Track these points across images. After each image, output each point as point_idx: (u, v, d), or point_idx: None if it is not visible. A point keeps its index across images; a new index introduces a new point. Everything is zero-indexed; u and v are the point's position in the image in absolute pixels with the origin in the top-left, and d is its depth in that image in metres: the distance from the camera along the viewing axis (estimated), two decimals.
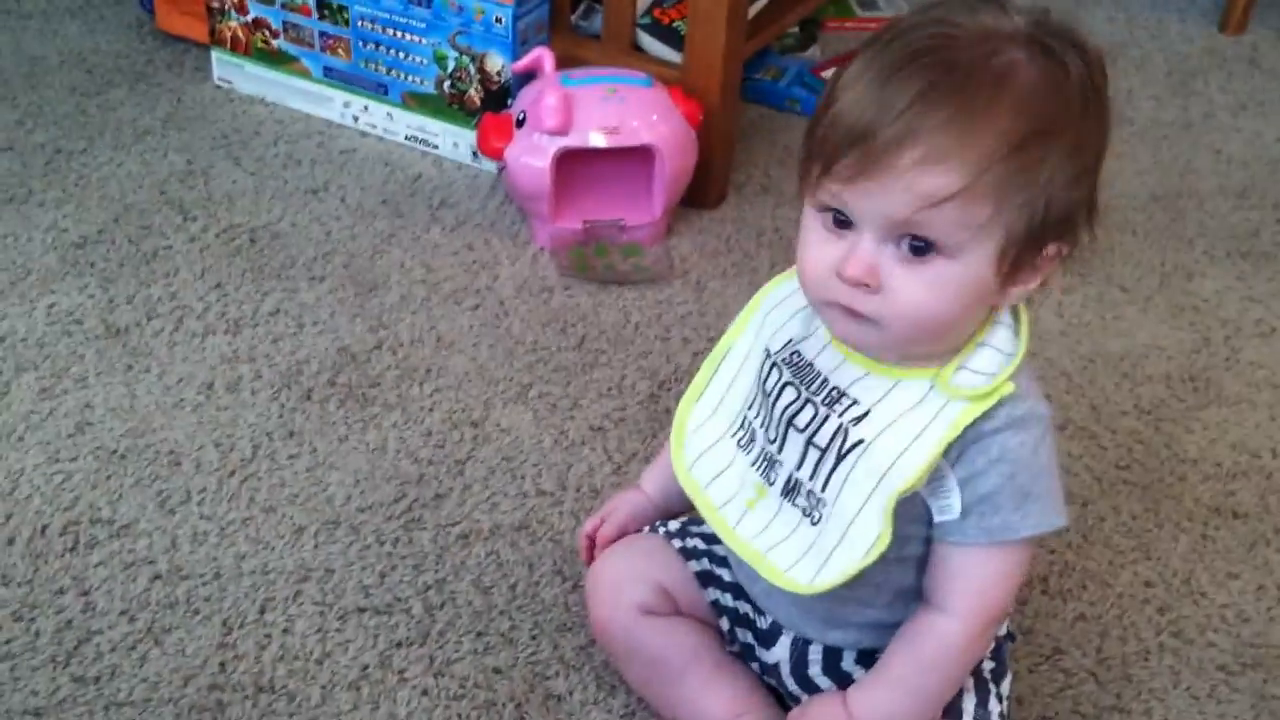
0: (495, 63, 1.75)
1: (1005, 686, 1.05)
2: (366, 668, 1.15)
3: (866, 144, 0.83)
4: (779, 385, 0.98)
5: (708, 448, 1.04)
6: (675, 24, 1.81)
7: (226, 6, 1.89)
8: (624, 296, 1.60)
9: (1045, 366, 1.53)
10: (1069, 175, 0.86)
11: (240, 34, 1.91)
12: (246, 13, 1.89)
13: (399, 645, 1.17)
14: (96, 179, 1.75)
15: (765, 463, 0.99)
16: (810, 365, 0.97)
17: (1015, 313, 0.93)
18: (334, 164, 1.81)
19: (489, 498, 1.32)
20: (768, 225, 1.75)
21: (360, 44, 1.83)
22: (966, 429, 0.89)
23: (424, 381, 1.45)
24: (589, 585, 1.12)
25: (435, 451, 1.37)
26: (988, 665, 1.04)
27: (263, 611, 1.19)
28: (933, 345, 0.91)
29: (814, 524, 0.95)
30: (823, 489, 0.94)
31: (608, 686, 1.15)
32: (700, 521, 1.09)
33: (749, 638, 1.08)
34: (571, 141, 1.60)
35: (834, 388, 0.95)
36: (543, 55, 1.67)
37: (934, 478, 0.91)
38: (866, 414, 0.92)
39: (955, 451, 0.90)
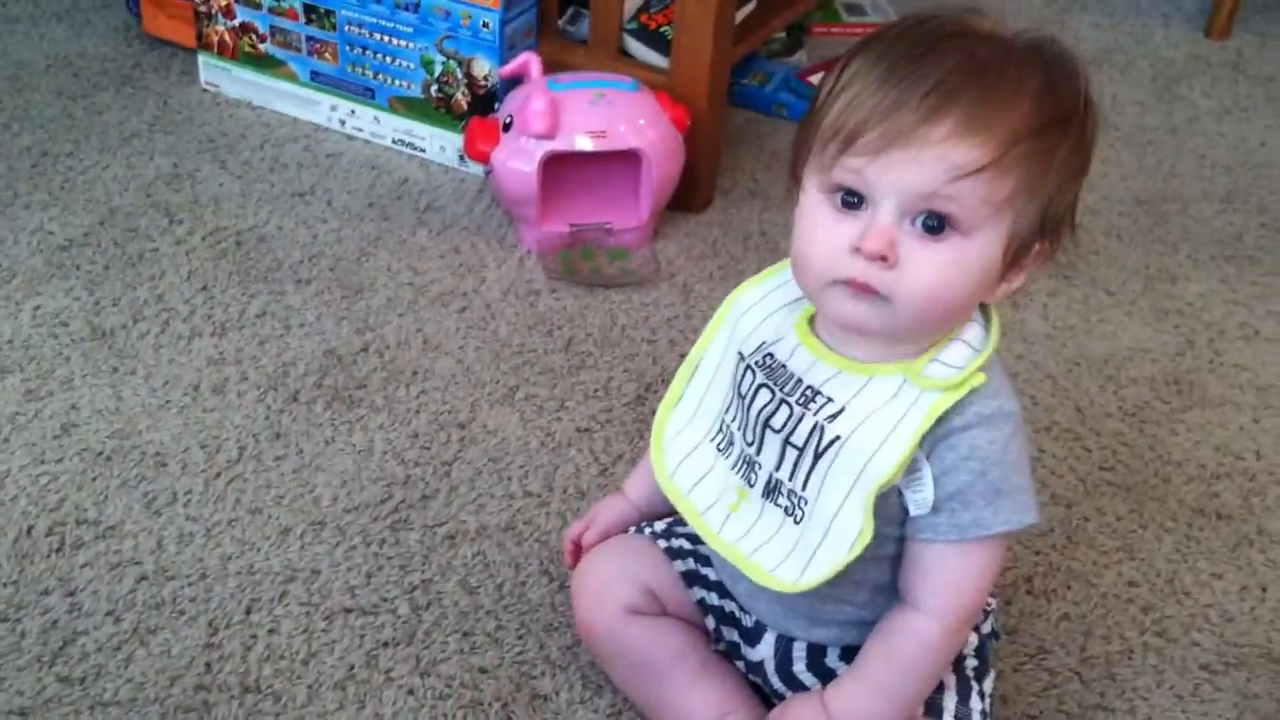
0: (482, 67, 1.75)
1: (988, 684, 1.05)
2: (353, 668, 1.15)
3: (897, 116, 0.85)
4: (753, 388, 0.98)
5: (687, 454, 1.04)
6: (662, 29, 1.81)
7: (214, 11, 1.90)
8: (610, 299, 1.61)
9: (1030, 369, 1.53)
10: (1071, 170, 0.90)
11: (227, 38, 1.91)
12: (234, 17, 1.89)
13: (385, 645, 1.17)
14: (83, 182, 1.75)
15: (745, 465, 0.99)
16: (784, 367, 0.97)
17: (986, 311, 0.95)
18: (321, 167, 1.81)
19: (475, 499, 1.32)
20: (754, 229, 1.75)
21: (347, 48, 1.83)
22: (938, 421, 0.90)
23: (410, 384, 1.45)
24: (575, 586, 1.13)
25: (422, 453, 1.37)
26: (970, 663, 1.04)
27: (249, 612, 1.19)
28: (934, 330, 0.92)
29: (797, 523, 0.95)
30: (803, 487, 0.95)
31: (594, 686, 1.15)
32: (686, 522, 1.09)
33: (734, 636, 1.09)
34: (558, 145, 1.60)
35: (808, 387, 0.95)
36: (530, 60, 1.67)
37: (910, 470, 0.92)
38: (841, 411, 0.93)
39: (928, 445, 0.91)
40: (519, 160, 1.61)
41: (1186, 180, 1.93)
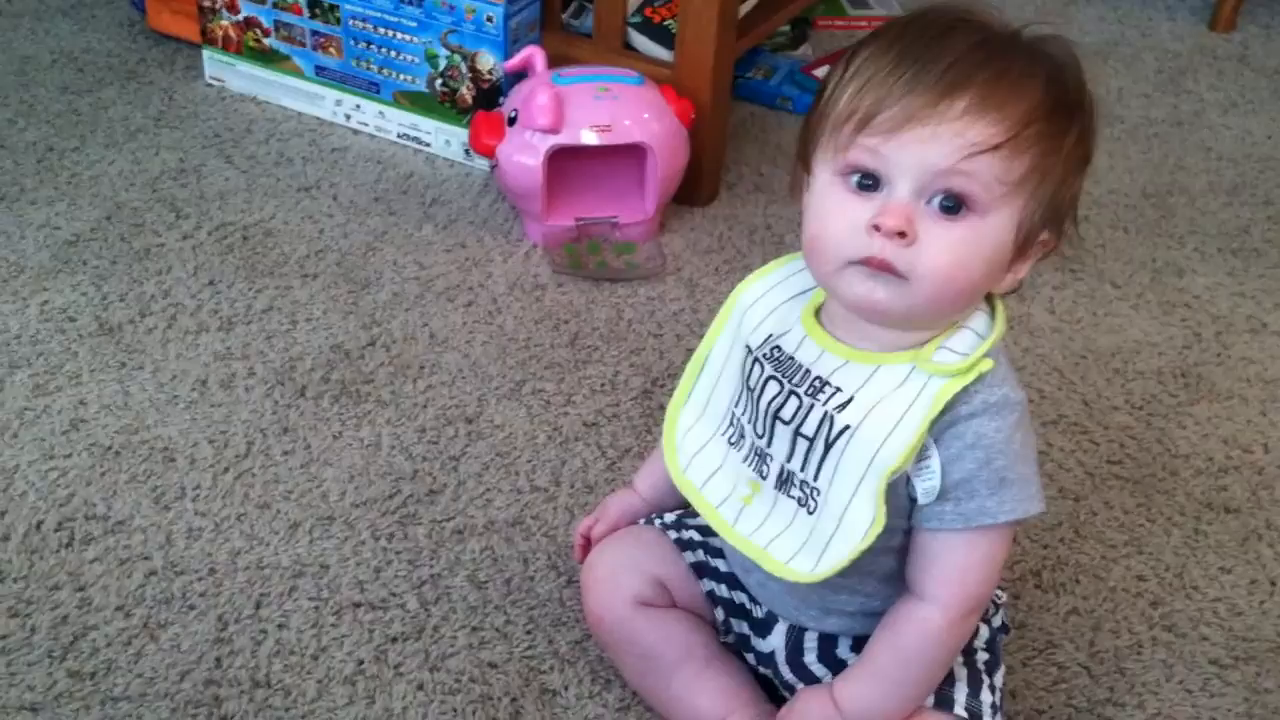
0: (487, 61, 1.75)
1: (999, 678, 1.05)
2: (362, 663, 1.15)
3: (915, 93, 0.86)
4: (762, 380, 0.98)
5: (700, 449, 1.04)
6: (666, 22, 1.81)
7: (218, 6, 1.89)
8: (616, 293, 1.61)
9: (1037, 363, 1.53)
10: (1076, 160, 0.91)
11: (232, 33, 1.91)
12: (238, 12, 1.89)
13: (394, 640, 1.17)
14: (89, 177, 1.75)
15: (756, 458, 1.00)
16: (791, 358, 0.97)
17: (990, 301, 0.96)
18: (326, 162, 1.81)
19: (483, 493, 1.32)
20: (759, 223, 1.75)
21: (352, 42, 1.83)
22: (947, 407, 0.90)
23: (417, 378, 1.45)
24: (584, 577, 1.13)
25: (429, 448, 1.37)
26: (981, 656, 1.04)
27: (258, 607, 1.19)
28: (946, 313, 0.92)
29: (810, 513, 0.95)
30: (815, 478, 0.95)
31: (603, 680, 1.15)
32: (696, 513, 1.09)
33: (744, 628, 1.09)
34: (563, 139, 1.60)
35: (816, 378, 0.95)
36: (534, 54, 1.67)
37: (919, 457, 0.92)
38: (850, 400, 0.93)
39: (936, 432, 0.91)
40: (524, 154, 1.61)
41: (1193, 173, 1.92)
